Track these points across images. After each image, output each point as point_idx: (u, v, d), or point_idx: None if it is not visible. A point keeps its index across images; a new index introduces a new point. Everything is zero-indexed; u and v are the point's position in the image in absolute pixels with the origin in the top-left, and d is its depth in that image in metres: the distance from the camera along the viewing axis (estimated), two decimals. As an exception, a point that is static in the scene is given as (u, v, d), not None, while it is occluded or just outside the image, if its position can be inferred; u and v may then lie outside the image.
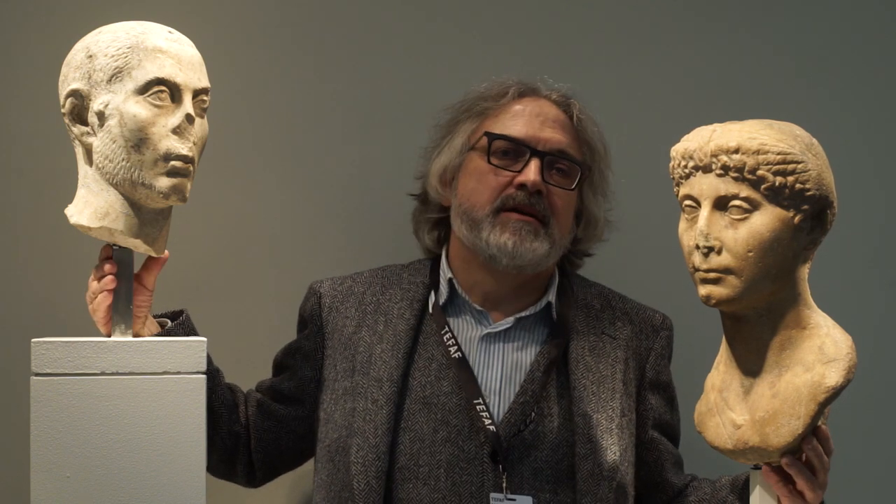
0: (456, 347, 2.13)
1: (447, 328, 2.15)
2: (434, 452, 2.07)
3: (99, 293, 1.91)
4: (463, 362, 2.12)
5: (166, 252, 1.96)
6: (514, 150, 2.14)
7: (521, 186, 2.11)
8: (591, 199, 2.22)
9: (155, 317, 2.04)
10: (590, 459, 2.06)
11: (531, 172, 2.11)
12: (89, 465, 1.83)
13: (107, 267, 1.91)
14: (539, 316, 2.19)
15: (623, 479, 2.09)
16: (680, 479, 2.21)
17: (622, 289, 2.30)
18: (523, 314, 2.17)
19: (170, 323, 2.05)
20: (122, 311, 1.91)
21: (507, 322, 2.16)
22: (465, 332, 2.17)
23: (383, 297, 2.20)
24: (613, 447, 2.08)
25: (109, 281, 1.90)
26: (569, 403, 2.11)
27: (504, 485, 2.05)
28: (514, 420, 2.09)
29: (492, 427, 2.07)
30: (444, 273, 2.21)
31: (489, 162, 2.13)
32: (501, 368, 2.13)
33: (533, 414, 2.10)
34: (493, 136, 2.14)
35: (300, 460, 2.29)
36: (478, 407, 2.08)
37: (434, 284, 2.21)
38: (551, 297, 2.20)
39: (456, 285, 2.20)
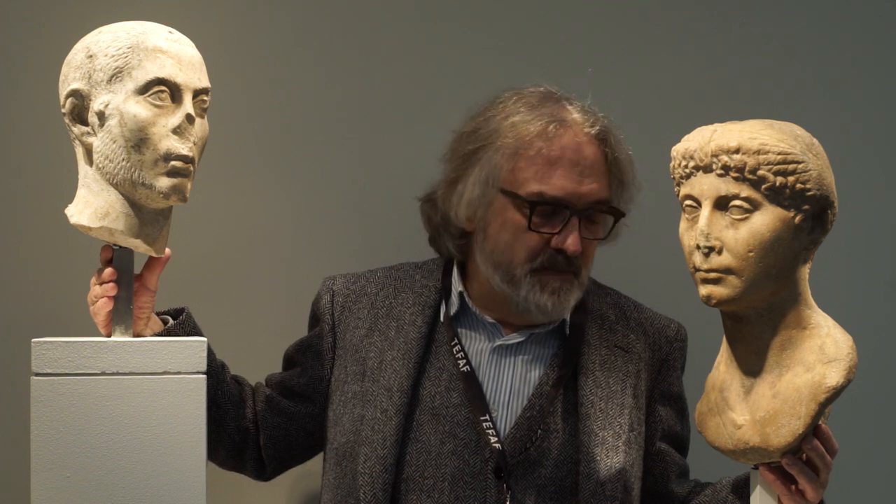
0: (465, 361, 2.11)
1: (456, 340, 2.13)
2: (440, 465, 2.06)
3: (99, 298, 1.91)
4: (471, 376, 2.10)
5: (168, 251, 1.96)
6: (553, 209, 2.07)
7: (561, 250, 2.06)
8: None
9: (157, 314, 2.04)
10: (593, 478, 2.04)
11: (572, 240, 2.05)
12: (89, 465, 1.83)
13: (107, 273, 1.91)
14: (552, 330, 2.17)
15: (627, 496, 2.08)
16: (683, 489, 2.20)
17: (624, 289, 2.30)
18: (537, 330, 2.15)
19: (171, 320, 2.05)
20: (122, 312, 1.91)
21: (521, 336, 2.14)
22: (476, 343, 2.15)
23: (395, 301, 2.18)
24: (618, 465, 2.06)
25: (110, 288, 1.90)
26: (576, 420, 2.10)
27: (507, 502, 2.04)
28: (519, 436, 2.07)
29: (497, 445, 2.05)
30: (456, 285, 2.18)
31: (530, 227, 2.05)
32: (511, 382, 2.12)
33: (539, 430, 2.08)
34: (535, 203, 2.05)
35: (310, 455, 2.27)
36: (484, 423, 2.07)
37: (446, 291, 2.18)
38: (566, 314, 2.17)
39: (466, 298, 2.17)
